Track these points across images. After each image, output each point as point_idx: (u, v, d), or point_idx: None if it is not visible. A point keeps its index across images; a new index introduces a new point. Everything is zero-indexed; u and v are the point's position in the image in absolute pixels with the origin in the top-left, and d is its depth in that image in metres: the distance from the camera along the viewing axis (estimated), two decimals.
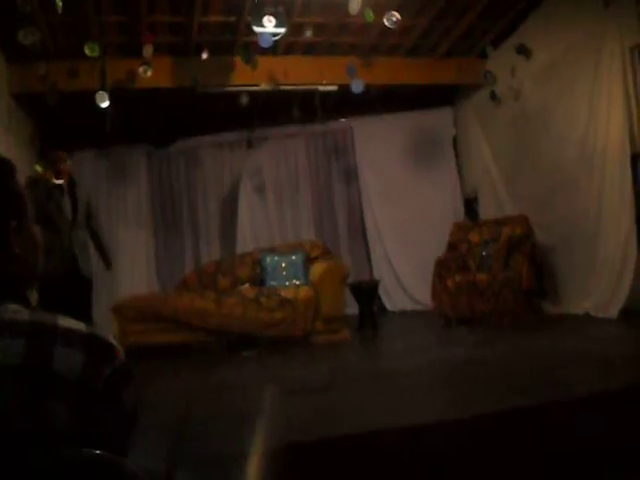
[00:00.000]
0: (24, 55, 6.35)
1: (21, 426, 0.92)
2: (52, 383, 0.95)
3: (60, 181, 5.35)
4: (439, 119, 9.02)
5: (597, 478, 2.77)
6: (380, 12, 6.15)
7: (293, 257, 6.92)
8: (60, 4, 5.17)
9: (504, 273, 6.54)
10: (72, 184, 5.45)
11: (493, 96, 7.82)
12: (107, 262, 5.81)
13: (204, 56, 6.88)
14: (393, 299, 8.71)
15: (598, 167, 6.11)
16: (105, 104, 6.53)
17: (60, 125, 7.45)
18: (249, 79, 7.23)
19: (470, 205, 8.82)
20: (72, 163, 5.64)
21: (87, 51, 6.19)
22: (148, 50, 6.50)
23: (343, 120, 9.01)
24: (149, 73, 6.68)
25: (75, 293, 5.13)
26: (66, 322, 1.01)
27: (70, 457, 0.92)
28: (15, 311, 1.00)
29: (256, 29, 5.92)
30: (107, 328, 5.71)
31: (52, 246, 5.08)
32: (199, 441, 2.79)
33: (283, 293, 6.31)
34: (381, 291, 8.05)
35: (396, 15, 6.13)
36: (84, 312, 5.16)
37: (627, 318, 5.65)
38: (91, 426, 0.97)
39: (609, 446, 2.84)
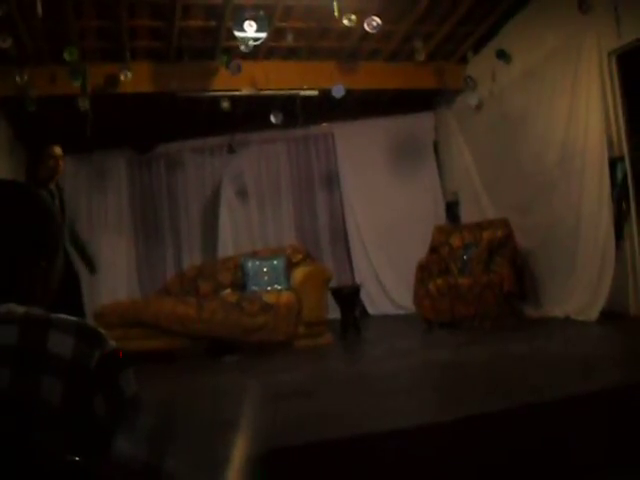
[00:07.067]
0: (2, 59, 6.29)
1: (15, 398, 0.96)
2: (46, 360, 0.99)
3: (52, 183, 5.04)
4: (420, 124, 9.04)
5: (580, 478, 2.79)
6: (361, 17, 6.17)
7: (275, 262, 6.90)
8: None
9: (485, 276, 6.57)
10: (59, 186, 5.19)
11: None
12: (91, 267, 5.54)
13: (185, 60, 6.86)
14: (375, 303, 8.72)
15: (577, 171, 6.16)
16: (85, 109, 6.49)
17: (40, 130, 7.37)
18: (230, 84, 7.21)
19: (451, 209, 8.85)
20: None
21: (66, 55, 6.16)
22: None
23: (324, 125, 9.02)
24: (129, 77, 6.66)
25: (69, 289, 4.61)
26: (58, 315, 1.06)
27: (46, 464, 0.93)
28: (12, 307, 1.05)
29: (237, 33, 5.91)
30: None
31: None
32: (182, 446, 2.77)
33: (265, 298, 6.29)
34: (363, 295, 8.04)
35: (377, 20, 6.15)
36: (78, 306, 4.93)
37: (607, 320, 5.70)
38: (85, 405, 1.01)
39: (590, 446, 2.86)
